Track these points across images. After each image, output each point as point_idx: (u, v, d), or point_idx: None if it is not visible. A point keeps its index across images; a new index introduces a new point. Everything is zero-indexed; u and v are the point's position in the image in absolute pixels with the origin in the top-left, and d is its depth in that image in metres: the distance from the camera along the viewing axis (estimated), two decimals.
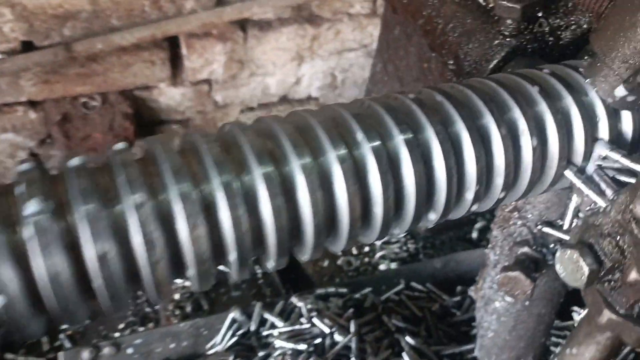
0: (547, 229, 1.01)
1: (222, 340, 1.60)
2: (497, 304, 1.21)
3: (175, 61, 2.10)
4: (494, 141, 0.69)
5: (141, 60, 1.98)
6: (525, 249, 1.03)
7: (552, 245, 1.04)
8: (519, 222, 1.06)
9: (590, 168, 0.93)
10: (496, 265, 1.13)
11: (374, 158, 0.58)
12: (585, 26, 1.02)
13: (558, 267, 0.89)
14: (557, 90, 0.87)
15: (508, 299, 1.15)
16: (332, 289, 1.71)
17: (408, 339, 1.57)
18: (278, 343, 1.52)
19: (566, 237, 0.97)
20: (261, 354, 1.54)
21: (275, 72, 2.31)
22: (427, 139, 0.63)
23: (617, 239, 0.83)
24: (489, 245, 1.16)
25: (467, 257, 1.86)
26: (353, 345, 1.51)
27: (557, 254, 0.88)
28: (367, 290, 1.74)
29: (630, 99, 0.84)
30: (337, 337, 1.53)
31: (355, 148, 0.59)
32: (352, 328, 1.54)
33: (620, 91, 0.83)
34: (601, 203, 0.90)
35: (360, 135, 0.59)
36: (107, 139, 2.03)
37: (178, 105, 2.17)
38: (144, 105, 2.10)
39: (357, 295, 1.71)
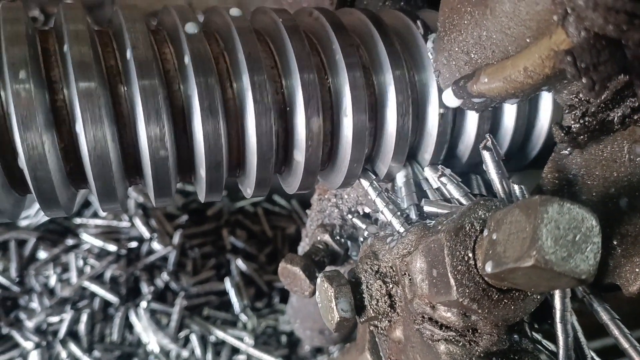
0: (357, 221, 0.78)
1: (35, 214, 1.39)
2: None
3: None
4: None
5: None
6: (326, 238, 0.81)
7: (360, 240, 0.82)
8: (333, 200, 0.83)
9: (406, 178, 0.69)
10: (307, 235, 0.92)
11: None
12: None
13: (317, 295, 0.67)
14: (379, 58, 0.59)
15: None
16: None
17: (239, 262, 1.39)
18: (86, 237, 1.32)
19: (374, 232, 0.75)
20: (69, 242, 1.34)
21: None
22: None
23: (390, 287, 0.61)
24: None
25: None
26: (171, 259, 1.32)
27: (318, 280, 0.66)
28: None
29: (478, 100, 0.58)
30: (156, 246, 1.33)
31: None
32: (176, 239, 1.34)
33: (448, 96, 0.55)
34: (396, 226, 0.66)
35: None
36: None
37: None
38: None
39: None
